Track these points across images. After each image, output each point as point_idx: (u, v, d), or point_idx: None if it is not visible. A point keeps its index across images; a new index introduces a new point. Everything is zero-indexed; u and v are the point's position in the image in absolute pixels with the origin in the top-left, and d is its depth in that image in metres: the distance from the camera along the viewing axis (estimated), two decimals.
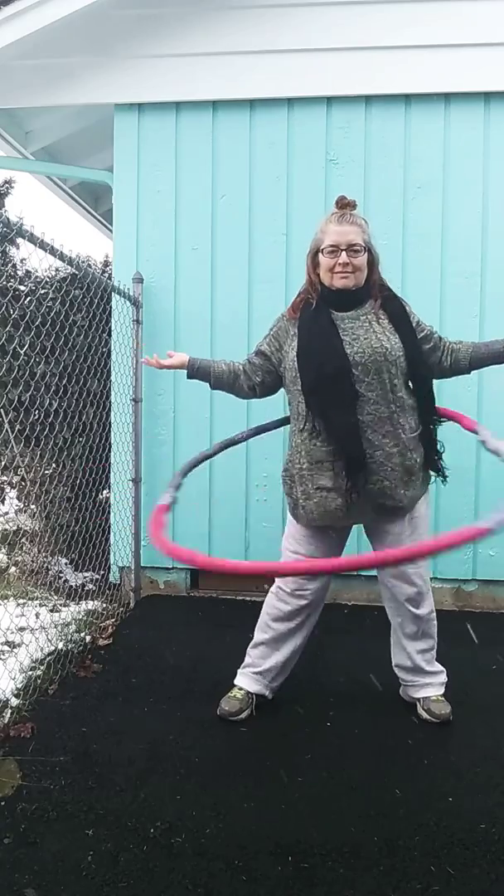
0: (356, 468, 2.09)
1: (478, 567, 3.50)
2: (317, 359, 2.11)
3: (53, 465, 3.81)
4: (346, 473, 2.09)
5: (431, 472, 2.29)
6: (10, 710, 2.32)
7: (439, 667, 2.39)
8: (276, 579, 2.32)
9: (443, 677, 2.38)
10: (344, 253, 2.09)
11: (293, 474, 2.21)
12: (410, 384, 2.20)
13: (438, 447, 2.26)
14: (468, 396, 3.40)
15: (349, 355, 2.08)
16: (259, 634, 2.37)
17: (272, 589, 2.34)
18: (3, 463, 3.79)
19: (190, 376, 2.36)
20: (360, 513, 2.18)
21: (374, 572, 2.38)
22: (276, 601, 2.32)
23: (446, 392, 3.31)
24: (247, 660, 2.40)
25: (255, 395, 2.37)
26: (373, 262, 2.17)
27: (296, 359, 2.15)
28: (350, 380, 2.08)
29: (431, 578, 3.48)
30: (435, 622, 2.35)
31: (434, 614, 2.34)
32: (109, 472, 3.60)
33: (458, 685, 2.49)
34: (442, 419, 2.29)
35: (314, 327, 2.14)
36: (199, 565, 1.78)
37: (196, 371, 2.34)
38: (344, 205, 2.16)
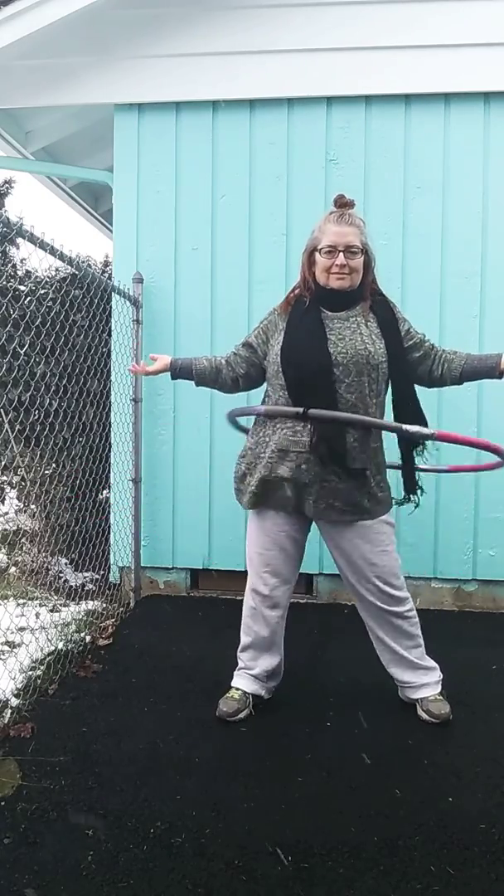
0: (334, 459, 2.10)
1: (478, 567, 3.50)
2: (300, 355, 2.12)
3: (53, 465, 3.82)
4: (324, 460, 2.10)
5: (403, 492, 2.31)
6: (10, 710, 2.32)
7: (432, 662, 2.38)
8: (249, 581, 2.34)
9: (437, 674, 2.37)
10: (342, 254, 2.09)
11: (252, 461, 2.23)
12: (386, 391, 2.20)
13: (417, 461, 2.27)
14: (468, 396, 3.40)
15: (332, 354, 2.09)
16: (243, 637, 2.39)
17: (245, 590, 2.36)
18: (3, 463, 3.79)
19: (174, 377, 2.39)
20: (314, 507, 2.17)
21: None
22: (247, 601, 2.35)
23: (446, 396, 3.32)
24: (240, 663, 2.41)
25: (239, 387, 2.38)
26: (368, 264, 2.18)
27: (279, 353, 2.16)
28: (330, 378, 2.09)
29: (431, 579, 3.52)
30: (415, 619, 2.32)
31: (413, 611, 2.32)
32: (109, 472, 3.60)
33: (458, 685, 2.49)
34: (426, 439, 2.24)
35: (302, 325, 2.15)
36: None
37: (179, 371, 2.37)
38: (343, 204, 2.16)
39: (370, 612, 2.31)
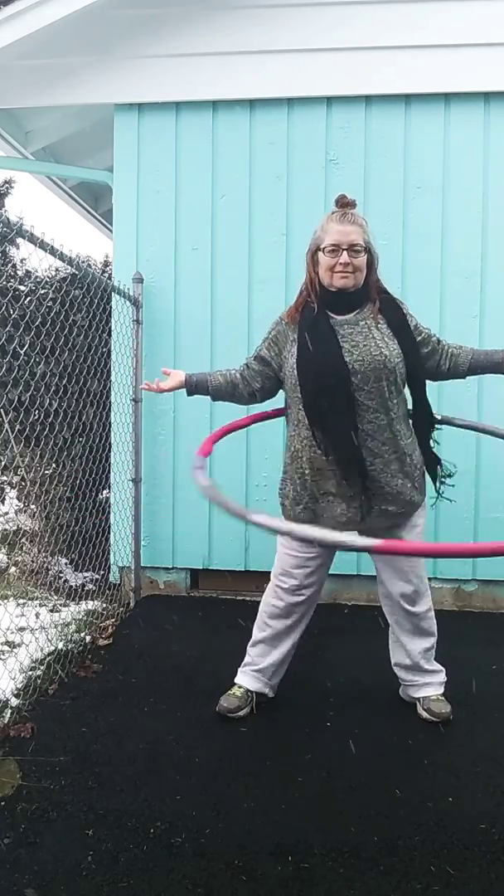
0: (355, 477, 2.09)
1: (478, 567, 3.50)
2: (316, 367, 2.10)
3: (53, 465, 3.82)
4: (346, 482, 2.09)
5: (428, 479, 2.30)
6: (10, 710, 2.32)
7: (438, 666, 2.39)
8: (273, 577, 2.32)
9: (442, 676, 2.38)
10: (345, 253, 2.09)
11: (295, 478, 2.20)
12: (407, 390, 2.20)
13: (435, 451, 2.27)
14: (468, 396, 3.40)
15: (348, 363, 2.08)
16: (257, 632, 2.37)
17: (269, 586, 2.34)
18: (3, 463, 3.79)
19: (190, 393, 2.35)
20: (360, 521, 2.15)
21: (374, 571, 2.37)
22: (272, 598, 2.32)
23: (446, 392, 3.32)
24: (246, 658, 2.40)
25: (256, 400, 2.36)
26: (372, 263, 2.17)
27: (295, 366, 2.14)
28: (349, 389, 2.07)
29: (431, 578, 3.50)
30: (433, 620, 2.34)
31: (432, 612, 2.34)
32: (109, 472, 3.60)
33: (458, 685, 2.49)
34: (439, 425, 2.31)
35: (314, 334, 2.13)
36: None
37: (195, 388, 2.33)
38: (344, 204, 2.16)
39: (396, 612, 2.31)
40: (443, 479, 2.32)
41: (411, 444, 2.20)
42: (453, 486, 2.35)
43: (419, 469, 2.23)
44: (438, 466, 2.31)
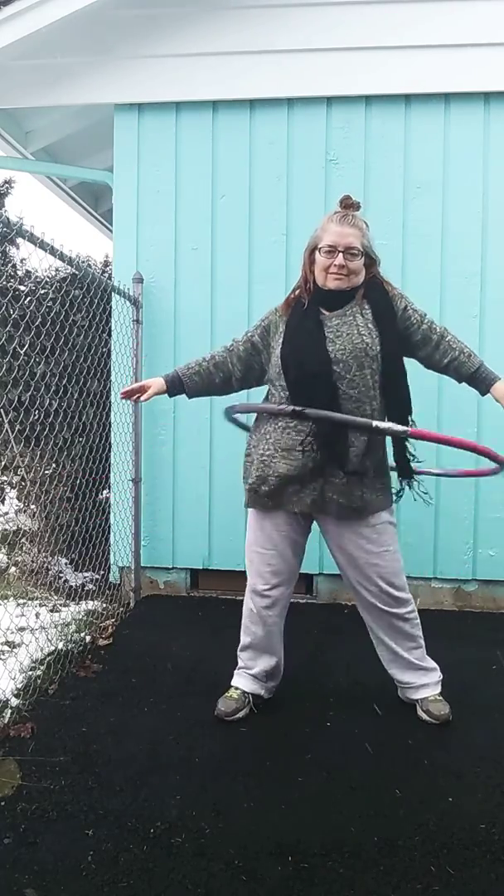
0: (334, 461, 2.10)
1: (478, 567, 3.50)
2: (299, 357, 2.12)
3: (53, 465, 3.82)
4: (323, 458, 2.10)
5: (400, 479, 2.30)
6: (10, 710, 2.32)
7: (432, 662, 2.38)
8: (249, 580, 2.33)
9: (437, 675, 2.37)
10: (341, 255, 2.10)
11: (253, 460, 2.23)
12: (387, 379, 2.17)
13: (410, 450, 2.26)
14: (468, 396, 3.40)
15: (330, 352, 2.10)
16: (243, 637, 2.39)
17: (246, 591, 2.36)
18: (3, 463, 3.79)
19: (171, 395, 2.35)
20: (313, 504, 2.17)
21: None
22: (248, 602, 2.35)
23: (447, 392, 3.32)
24: (239, 662, 2.41)
25: (232, 390, 2.37)
26: (369, 267, 2.18)
27: (279, 356, 2.17)
28: (331, 378, 2.09)
29: (431, 578, 3.52)
30: (416, 620, 2.32)
31: (414, 612, 2.31)
32: (109, 472, 3.60)
33: (458, 685, 2.49)
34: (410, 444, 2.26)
35: (300, 327, 2.15)
36: None
37: (173, 390, 2.32)
38: (347, 205, 2.17)
39: (371, 613, 2.31)
40: (407, 479, 2.30)
41: (383, 446, 2.22)
42: (417, 498, 2.32)
43: (383, 471, 2.23)
44: (406, 475, 2.29)
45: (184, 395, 2.37)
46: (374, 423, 2.08)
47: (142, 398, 2.30)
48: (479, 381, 2.22)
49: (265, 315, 2.31)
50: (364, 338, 2.11)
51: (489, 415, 3.42)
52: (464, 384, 2.29)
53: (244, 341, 2.32)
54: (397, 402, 2.20)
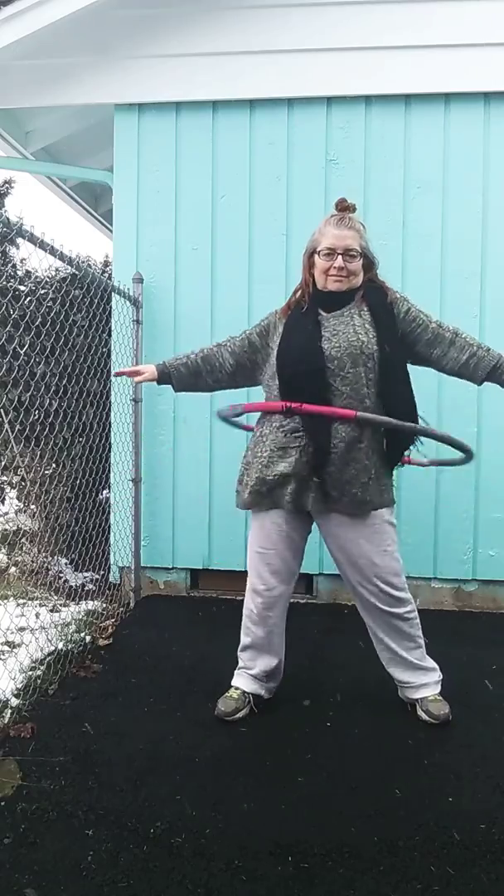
0: (320, 454, 2.12)
1: (478, 567, 3.50)
2: (294, 355, 2.15)
3: (53, 465, 3.81)
4: (311, 459, 2.12)
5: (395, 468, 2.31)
6: (10, 710, 2.32)
7: (432, 662, 2.38)
8: (248, 580, 2.34)
9: (437, 675, 2.37)
10: (340, 257, 2.12)
11: (251, 462, 2.25)
12: (383, 378, 2.17)
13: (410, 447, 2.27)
14: (468, 396, 3.40)
15: (326, 350, 2.11)
16: (243, 637, 2.39)
17: (246, 591, 2.36)
18: (3, 463, 3.79)
19: (160, 384, 2.39)
20: (314, 502, 2.18)
21: None
22: (248, 602, 2.35)
23: (447, 392, 3.33)
24: (240, 662, 2.42)
25: (220, 386, 2.39)
26: (368, 268, 2.20)
27: (276, 355, 2.19)
28: (324, 375, 2.11)
29: (431, 578, 3.52)
30: (416, 620, 2.32)
31: (414, 612, 2.32)
32: (109, 472, 3.60)
33: (458, 685, 2.49)
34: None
35: (298, 328, 2.18)
36: None
37: (163, 379, 2.37)
38: (344, 208, 2.18)
39: (371, 613, 2.31)
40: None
41: (379, 442, 2.20)
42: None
43: (381, 468, 2.22)
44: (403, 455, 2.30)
45: (173, 388, 2.40)
46: (358, 413, 2.08)
47: (135, 380, 2.40)
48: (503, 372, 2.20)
49: (265, 317, 2.34)
50: (360, 336, 2.12)
51: (489, 415, 3.43)
52: (485, 384, 2.27)
53: (241, 338, 2.34)
54: (402, 402, 2.18)
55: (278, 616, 2.34)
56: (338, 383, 2.12)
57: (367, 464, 2.17)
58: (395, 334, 2.18)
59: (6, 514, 4.33)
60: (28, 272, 3.89)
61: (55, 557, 3.88)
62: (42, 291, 3.66)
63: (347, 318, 2.16)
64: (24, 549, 3.97)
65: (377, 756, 2.12)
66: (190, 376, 2.36)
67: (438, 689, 2.36)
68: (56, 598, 3.47)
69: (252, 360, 2.31)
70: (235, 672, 2.41)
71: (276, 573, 2.29)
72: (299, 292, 2.26)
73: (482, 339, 3.34)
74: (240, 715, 2.32)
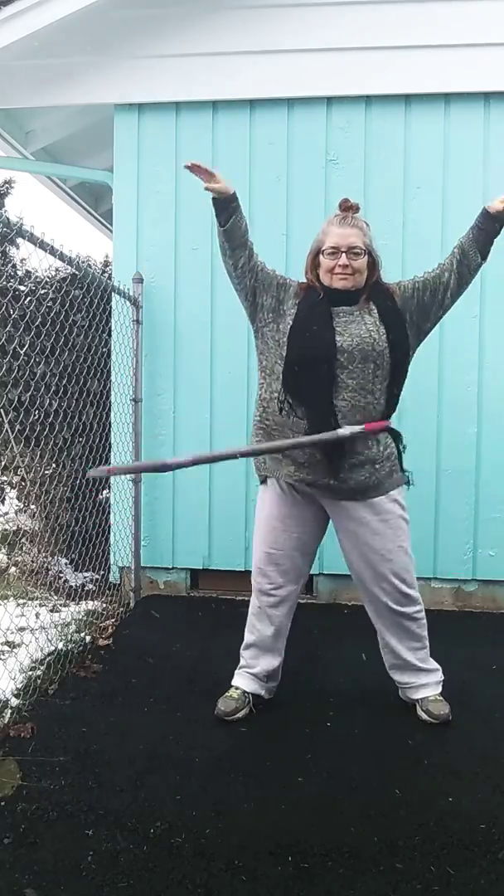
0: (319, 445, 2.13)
1: (478, 567, 3.50)
2: (306, 341, 2.14)
3: (53, 465, 3.81)
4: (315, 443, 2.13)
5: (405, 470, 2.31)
6: (10, 710, 2.32)
7: (434, 664, 2.38)
8: (252, 580, 2.35)
9: (439, 675, 2.37)
10: (344, 255, 2.13)
11: (268, 426, 2.25)
12: (392, 378, 2.19)
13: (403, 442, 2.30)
14: (468, 396, 3.41)
15: (338, 343, 2.12)
16: (247, 635, 2.39)
17: (252, 589, 2.37)
18: (3, 463, 3.79)
19: (217, 207, 2.26)
20: (328, 489, 2.20)
21: None
22: (254, 600, 2.35)
23: (447, 392, 3.33)
24: (241, 661, 2.41)
25: (241, 254, 2.26)
26: (373, 265, 2.20)
27: (287, 333, 2.17)
28: (332, 365, 2.11)
29: (431, 578, 3.52)
30: (424, 620, 2.33)
31: (422, 612, 2.33)
32: None
33: (458, 685, 2.49)
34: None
35: (312, 314, 2.17)
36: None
37: (224, 207, 2.23)
38: (346, 207, 2.19)
39: (381, 616, 2.31)
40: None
41: (382, 434, 2.22)
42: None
43: (387, 458, 2.23)
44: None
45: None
46: (340, 431, 2.09)
47: (205, 183, 2.22)
48: (478, 227, 2.27)
49: (287, 277, 2.28)
50: (372, 333, 2.13)
51: (489, 415, 3.43)
52: (485, 250, 2.30)
53: (263, 267, 2.26)
54: (394, 405, 2.25)
55: (285, 615, 2.34)
56: (345, 376, 2.12)
57: (370, 455, 2.18)
58: (404, 329, 2.20)
59: (6, 514, 4.33)
60: (28, 272, 3.89)
61: (55, 557, 3.88)
62: (42, 291, 3.66)
63: (358, 317, 2.16)
64: (24, 549, 3.97)
65: (377, 756, 2.12)
66: (240, 223, 2.26)
67: (439, 689, 2.36)
68: (56, 598, 3.47)
69: (255, 288, 2.24)
70: (236, 671, 2.41)
71: (286, 573, 2.29)
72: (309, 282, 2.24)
73: (482, 339, 3.42)
74: (240, 715, 2.32)
